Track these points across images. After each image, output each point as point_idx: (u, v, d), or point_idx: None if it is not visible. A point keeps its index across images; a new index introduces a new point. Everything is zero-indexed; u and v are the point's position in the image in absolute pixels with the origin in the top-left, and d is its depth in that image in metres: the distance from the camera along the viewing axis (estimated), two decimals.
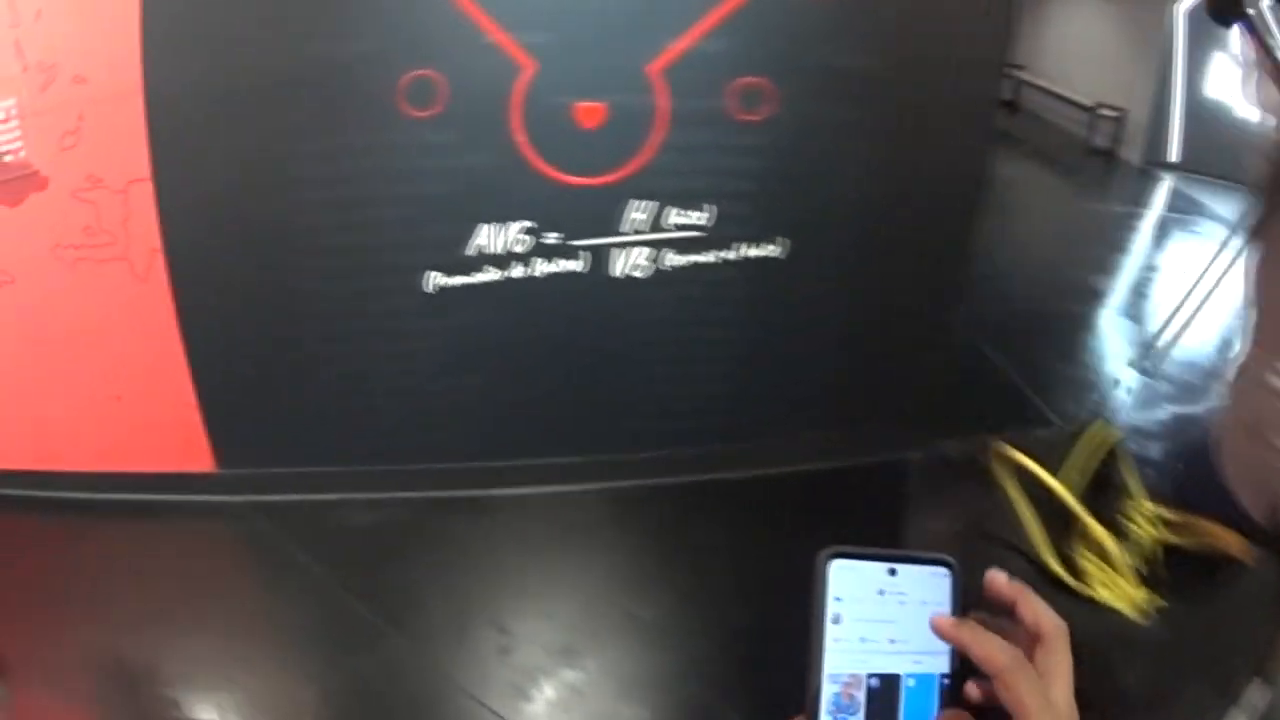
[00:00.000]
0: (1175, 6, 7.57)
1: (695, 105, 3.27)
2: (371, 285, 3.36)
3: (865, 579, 0.70)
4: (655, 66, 3.22)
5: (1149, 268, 6.40)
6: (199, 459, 3.71)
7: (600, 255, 3.39)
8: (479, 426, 3.67)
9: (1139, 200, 7.76)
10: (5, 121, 3.33)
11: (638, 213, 3.34)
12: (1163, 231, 7.03)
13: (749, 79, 3.29)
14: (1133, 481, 1.54)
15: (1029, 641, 0.69)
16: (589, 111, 3.22)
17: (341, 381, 3.54)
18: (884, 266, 3.67)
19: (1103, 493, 1.52)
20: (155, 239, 3.36)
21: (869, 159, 3.49)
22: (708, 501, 3.87)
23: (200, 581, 3.49)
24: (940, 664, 0.71)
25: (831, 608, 0.69)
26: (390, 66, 3.08)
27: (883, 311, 3.78)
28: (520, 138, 3.20)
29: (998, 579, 0.72)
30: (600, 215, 3.34)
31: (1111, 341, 5.51)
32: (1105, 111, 8.60)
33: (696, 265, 3.45)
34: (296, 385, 3.54)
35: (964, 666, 0.70)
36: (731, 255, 3.47)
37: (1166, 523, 1.51)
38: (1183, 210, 7.45)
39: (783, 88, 3.31)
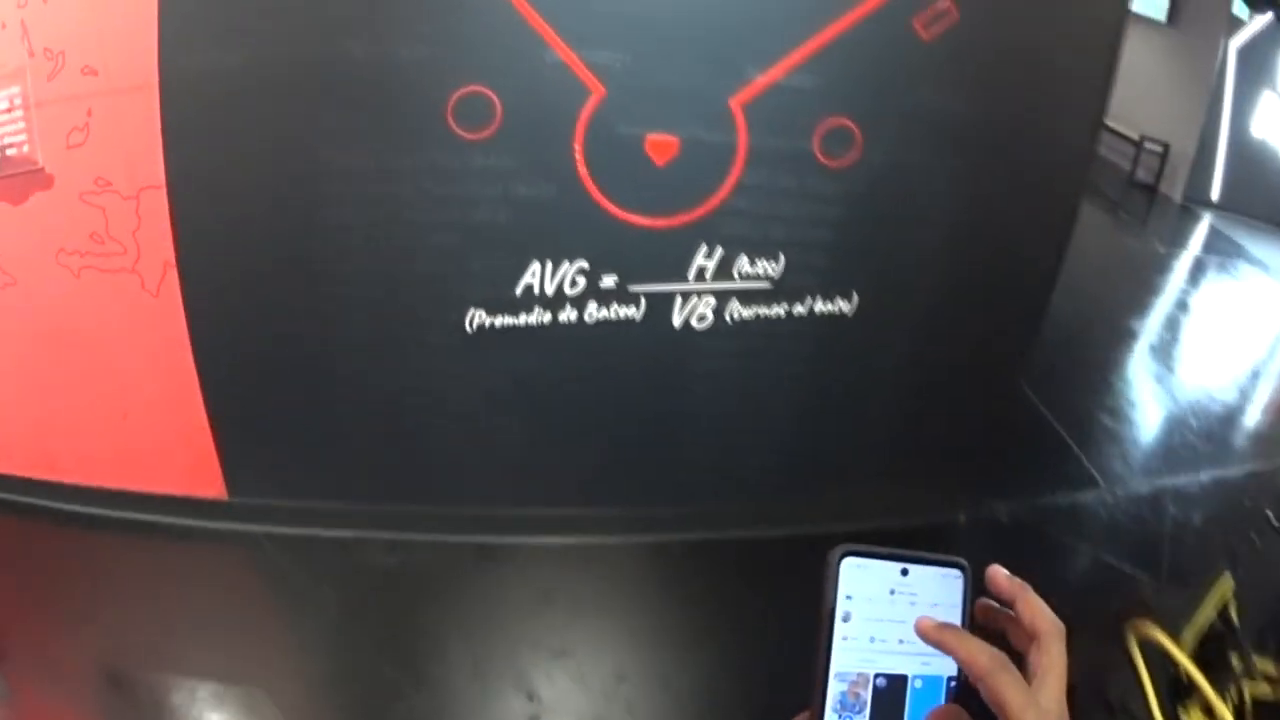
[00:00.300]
0: (1229, 41, 6.91)
1: (777, 145, 2.66)
2: (406, 318, 2.74)
3: (877, 578, 0.65)
4: (738, 99, 2.61)
5: (1185, 309, 5.81)
6: (210, 484, 3.15)
7: (660, 303, 2.77)
8: (514, 471, 3.06)
9: (1179, 239, 7.07)
10: (9, 111, 2.73)
11: (705, 259, 2.73)
12: (1204, 273, 6.39)
13: (837, 119, 2.69)
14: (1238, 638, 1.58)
15: (1027, 639, 0.64)
16: (661, 145, 2.62)
17: (367, 415, 2.94)
18: (956, 325, 3.07)
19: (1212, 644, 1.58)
20: (168, 252, 2.77)
21: (954, 211, 2.89)
22: (752, 560, 3.28)
23: (208, 613, 2.92)
24: (948, 665, 0.65)
25: (842, 606, 0.64)
26: (440, 78, 2.46)
27: (949, 370, 3.18)
28: (582, 169, 2.58)
29: (999, 575, 0.66)
30: (664, 260, 2.72)
31: (1152, 390, 4.93)
32: (1150, 145, 7.75)
33: (761, 319, 2.84)
34: (317, 416, 2.93)
35: None
36: (800, 309, 2.86)
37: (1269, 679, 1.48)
38: (1223, 252, 6.81)
39: (871, 131, 2.70)
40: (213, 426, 2.97)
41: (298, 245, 2.65)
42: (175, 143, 2.57)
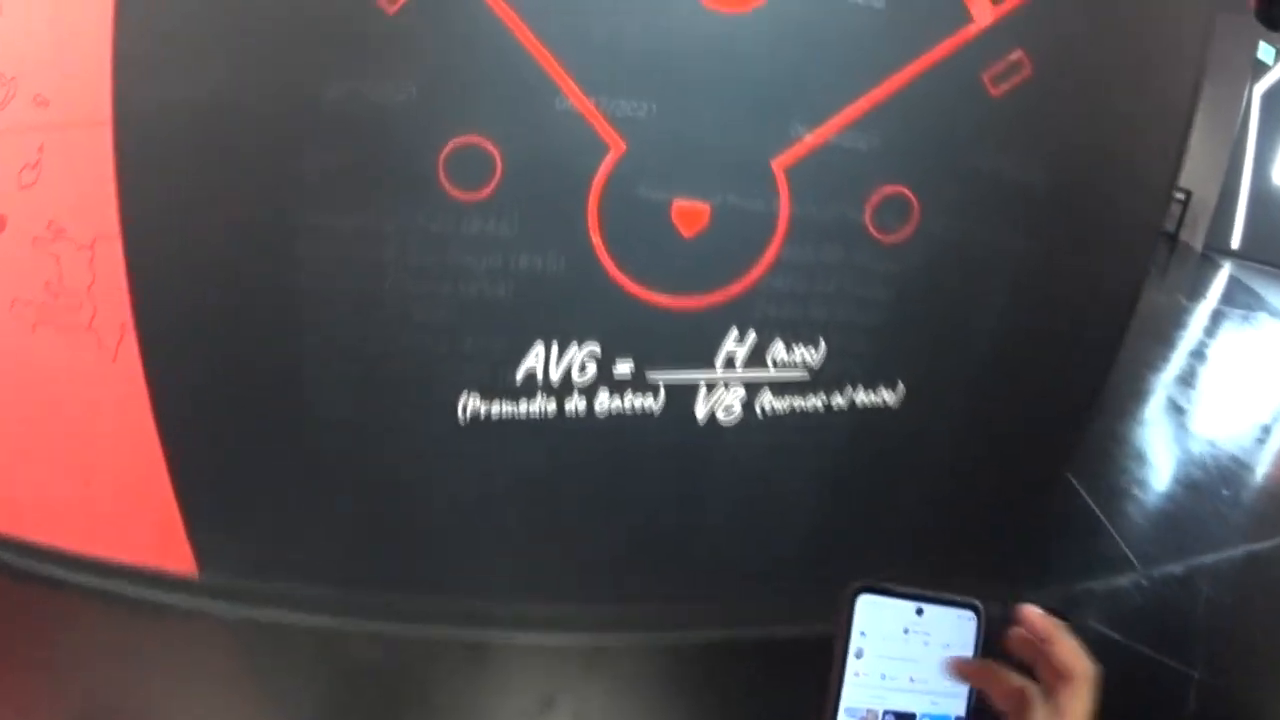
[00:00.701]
0: (1253, 87, 6.19)
1: (824, 215, 1.99)
2: (390, 399, 2.09)
3: (891, 616, 0.59)
4: (782, 161, 1.96)
5: (1207, 362, 5.10)
6: (178, 558, 2.54)
7: (681, 394, 2.11)
8: (512, 563, 2.39)
9: (1200, 290, 6.34)
10: None
11: (735, 344, 2.07)
12: (1225, 326, 5.66)
13: (893, 186, 2.05)
14: None
15: (1054, 678, 0.56)
16: (690, 213, 1.96)
17: (348, 497, 2.28)
18: (1007, 414, 2.38)
19: None
20: (125, 313, 2.15)
21: (1014, 291, 2.25)
22: (776, 660, 2.66)
23: (173, 691, 2.35)
24: (957, 706, 0.59)
25: (855, 642, 0.58)
26: (428, 127, 1.82)
27: (995, 461, 2.49)
28: (596, 239, 1.93)
29: (1032, 612, 0.58)
30: (688, 345, 2.07)
31: (1181, 456, 4.25)
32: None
33: (795, 411, 2.18)
34: (294, 496, 2.27)
35: (980, 711, 0.58)
36: (839, 401, 2.19)
37: None
38: (1244, 304, 6.09)
39: (930, 200, 2.04)
40: (179, 501, 2.37)
41: (270, 313, 2.00)
42: (131, 189, 1.95)
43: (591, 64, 1.81)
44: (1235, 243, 6.55)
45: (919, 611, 0.58)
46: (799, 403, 2.15)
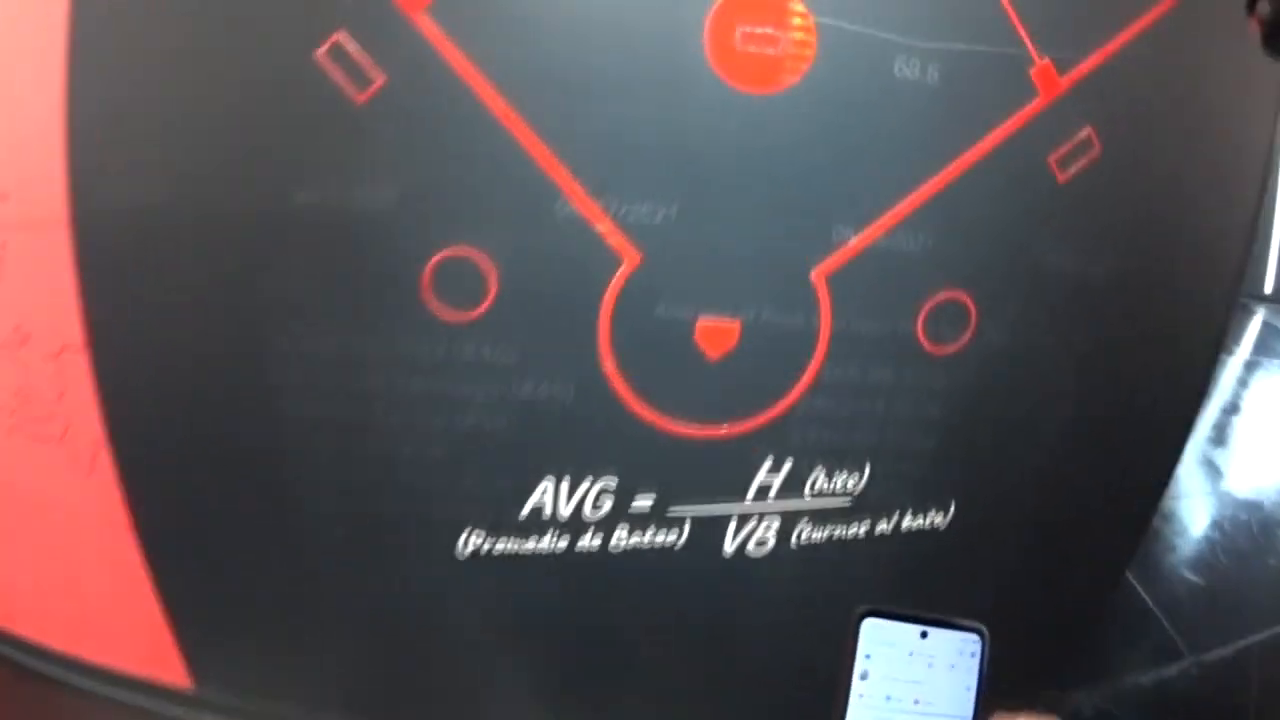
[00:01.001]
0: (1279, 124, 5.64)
1: (871, 328, 1.56)
2: (386, 535, 1.69)
3: (897, 639, 0.57)
4: (823, 269, 1.53)
5: (1242, 415, 4.52)
6: (172, 671, 2.25)
7: (707, 528, 1.68)
8: (517, 701, 1.95)
9: (1232, 338, 5.63)
10: None
11: (769, 474, 1.64)
12: (1261, 377, 4.99)
13: (949, 291, 1.63)
14: None
15: None
16: (717, 332, 1.52)
17: (344, 626, 1.88)
18: (1064, 531, 1.94)
19: None
20: (97, 429, 1.82)
21: (1076, 395, 1.83)
22: None
23: None
24: None
25: (860, 664, 0.56)
26: (408, 236, 1.42)
27: (1054, 570, 2.09)
28: (608, 364, 1.51)
29: None
30: (717, 477, 1.64)
31: (1226, 526, 3.73)
32: None
33: (835, 541, 1.76)
34: (287, 621, 1.86)
35: None
36: (884, 527, 1.76)
37: None
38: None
39: (989, 305, 1.61)
40: (168, 616, 2.03)
41: (251, 437, 1.61)
42: (94, 298, 1.58)
43: (597, 160, 1.41)
44: (1268, 287, 5.96)
45: (923, 635, 0.55)
46: (839, 532, 1.74)
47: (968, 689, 0.57)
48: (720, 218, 1.46)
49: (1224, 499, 3.79)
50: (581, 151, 1.39)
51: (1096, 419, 1.86)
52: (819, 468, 1.66)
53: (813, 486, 1.67)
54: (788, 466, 1.64)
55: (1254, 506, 3.68)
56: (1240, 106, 1.79)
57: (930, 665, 0.56)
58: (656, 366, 1.52)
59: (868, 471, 1.69)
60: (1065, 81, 1.57)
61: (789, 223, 1.48)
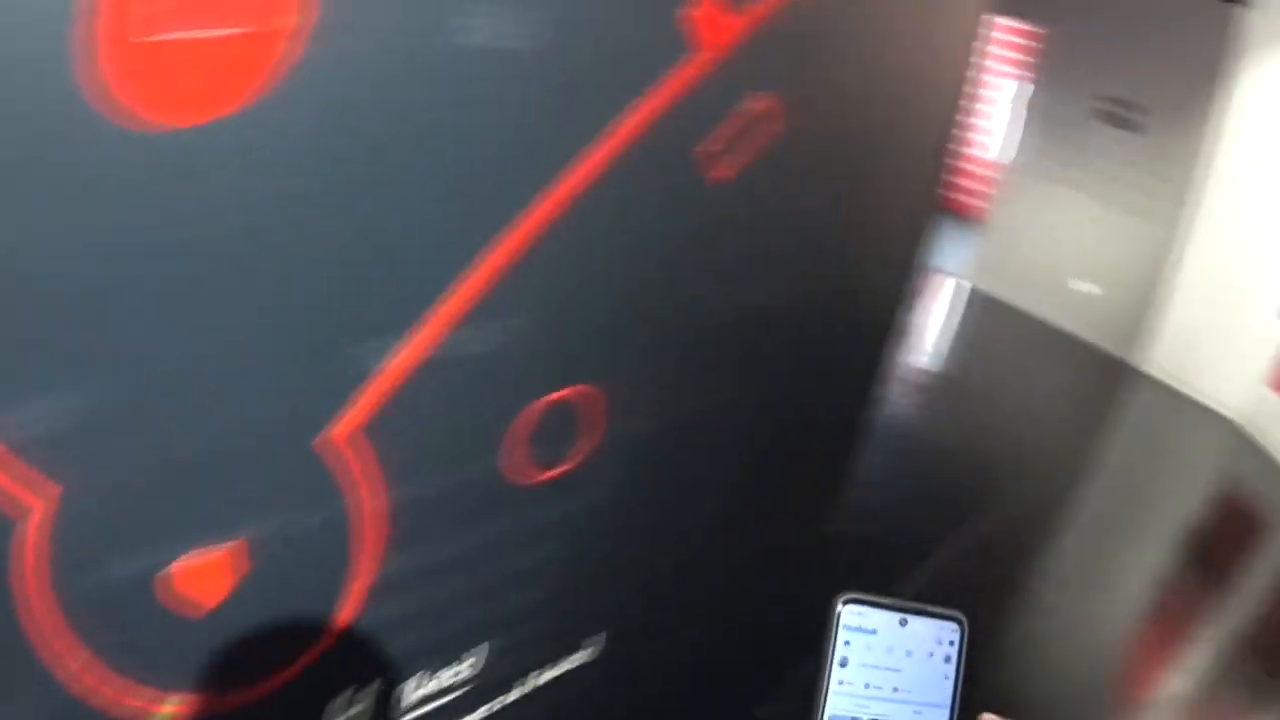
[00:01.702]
0: None
1: (442, 480, 1.14)
2: None
3: (876, 626, 0.55)
4: (348, 426, 1.04)
5: None
6: None
7: None
8: None
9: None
10: None
11: (354, 707, 1.13)
12: None
13: (552, 396, 1.26)
14: None
15: None
16: (202, 574, 0.95)
17: None
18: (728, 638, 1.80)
19: None
20: None
21: (736, 473, 1.61)
22: None
23: None
24: (940, 716, 0.56)
25: (840, 651, 0.55)
26: None
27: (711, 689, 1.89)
28: (74, 659, 0.87)
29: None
30: None
31: None
32: None
33: None
34: None
35: None
36: (523, 690, 1.39)
37: None
38: None
39: (613, 394, 1.32)
40: None
41: None
42: None
43: None
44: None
45: (903, 622, 0.55)
46: (473, 717, 1.32)
47: (946, 678, 0.55)
48: (165, 393, 0.90)
49: None
50: None
51: (754, 494, 1.65)
52: (417, 677, 1.21)
53: (416, 694, 1.22)
54: (375, 688, 1.16)
55: None
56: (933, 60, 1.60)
57: (909, 654, 0.54)
58: (123, 640, 0.93)
59: (484, 648, 1.28)
60: (739, 25, 1.17)
61: (278, 370, 0.96)
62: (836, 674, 0.55)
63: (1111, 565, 3.58)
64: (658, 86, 1.10)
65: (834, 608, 0.55)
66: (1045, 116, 5.65)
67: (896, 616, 0.56)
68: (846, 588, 0.56)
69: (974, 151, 6.41)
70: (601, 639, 1.45)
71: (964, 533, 3.32)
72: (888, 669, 0.56)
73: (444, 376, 1.07)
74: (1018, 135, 5.85)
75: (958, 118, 1.82)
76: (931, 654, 0.56)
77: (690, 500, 1.48)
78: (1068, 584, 3.35)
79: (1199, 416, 5.00)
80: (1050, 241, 5.69)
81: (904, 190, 1.72)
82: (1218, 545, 3.97)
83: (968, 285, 5.96)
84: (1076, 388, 5.19)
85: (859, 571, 2.75)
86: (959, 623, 0.57)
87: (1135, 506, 4.02)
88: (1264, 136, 4.87)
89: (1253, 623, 3.35)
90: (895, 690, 0.56)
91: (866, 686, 0.55)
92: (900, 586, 2.78)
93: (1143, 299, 5.36)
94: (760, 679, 1.79)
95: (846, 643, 0.55)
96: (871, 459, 2.86)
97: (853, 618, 0.55)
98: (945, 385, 4.73)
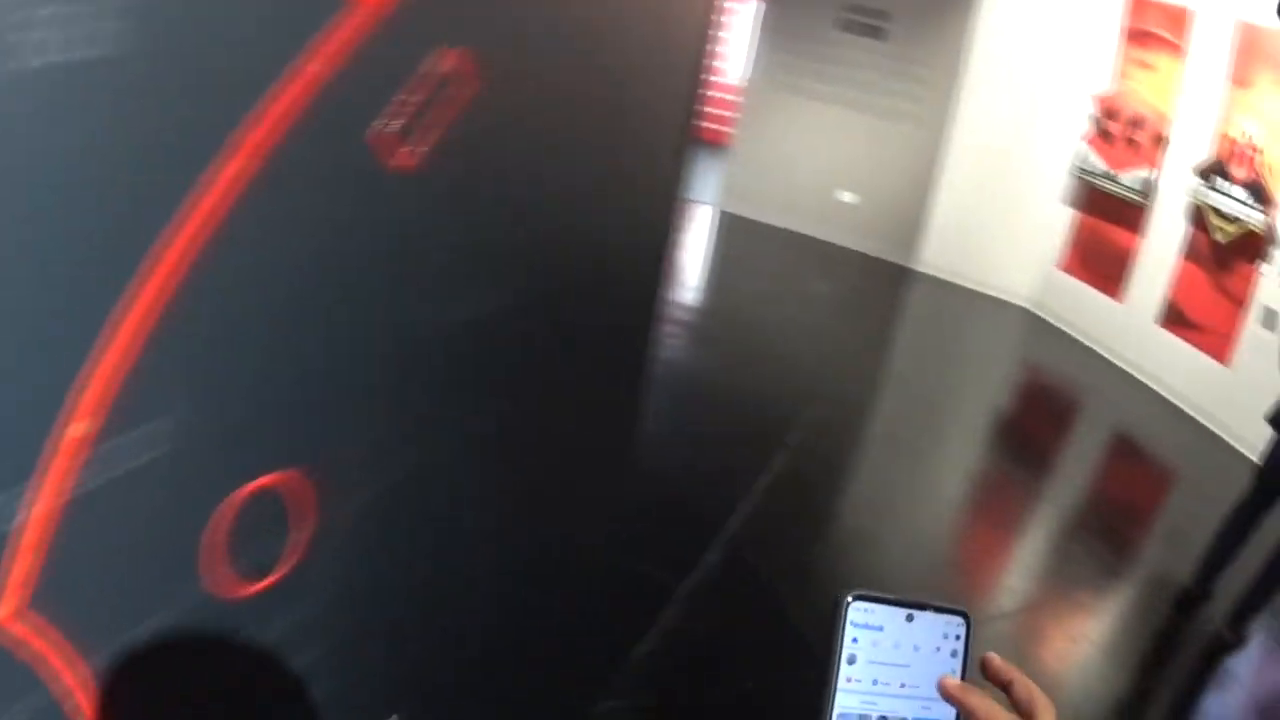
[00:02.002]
0: None
1: (137, 648, 0.80)
2: None
3: (883, 622, 0.56)
4: (5, 616, 0.71)
5: None
6: None
7: None
8: None
9: None
10: None
11: None
12: None
13: (250, 488, 0.89)
14: None
15: (1023, 710, 0.56)
16: None
17: None
18: None
19: None
20: None
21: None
22: None
23: None
24: (948, 711, 0.56)
25: (847, 648, 0.55)
26: None
27: None
28: None
29: (993, 660, 0.58)
30: None
31: None
32: None
33: None
34: None
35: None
36: None
37: None
38: None
39: (323, 473, 0.98)
40: None
41: None
42: None
43: None
44: None
45: (909, 618, 0.55)
46: None
47: (953, 672, 0.55)
48: None
49: None
50: None
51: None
52: None
53: None
54: None
55: None
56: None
57: (917, 649, 0.54)
58: None
59: None
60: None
61: None
62: (844, 671, 0.54)
63: (929, 467, 3.64)
64: (300, 63, 0.78)
65: (841, 605, 0.54)
66: (788, 33, 5.62)
67: (903, 612, 0.55)
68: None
69: (717, 78, 6.30)
70: None
71: (770, 471, 3.16)
72: (895, 665, 0.55)
73: (100, 514, 0.79)
74: (758, 56, 5.79)
75: (706, 47, 1.62)
76: (938, 648, 0.56)
77: (458, 554, 1.20)
78: (890, 496, 3.34)
79: (988, 308, 5.28)
80: (807, 157, 5.73)
81: (656, 140, 1.49)
82: (1030, 429, 4.18)
83: (726, 212, 5.89)
84: (856, 297, 5.25)
85: (662, 543, 2.51)
86: (965, 617, 0.56)
87: (939, 407, 4.14)
88: (1012, 31, 5.04)
89: (1081, 505, 3.49)
90: (903, 685, 0.55)
91: (875, 683, 0.55)
92: (716, 541, 2.61)
93: (913, 202, 5.54)
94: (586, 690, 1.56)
95: (854, 640, 0.54)
96: (659, 415, 2.65)
97: (860, 615, 0.54)
98: (719, 320, 4.57)
